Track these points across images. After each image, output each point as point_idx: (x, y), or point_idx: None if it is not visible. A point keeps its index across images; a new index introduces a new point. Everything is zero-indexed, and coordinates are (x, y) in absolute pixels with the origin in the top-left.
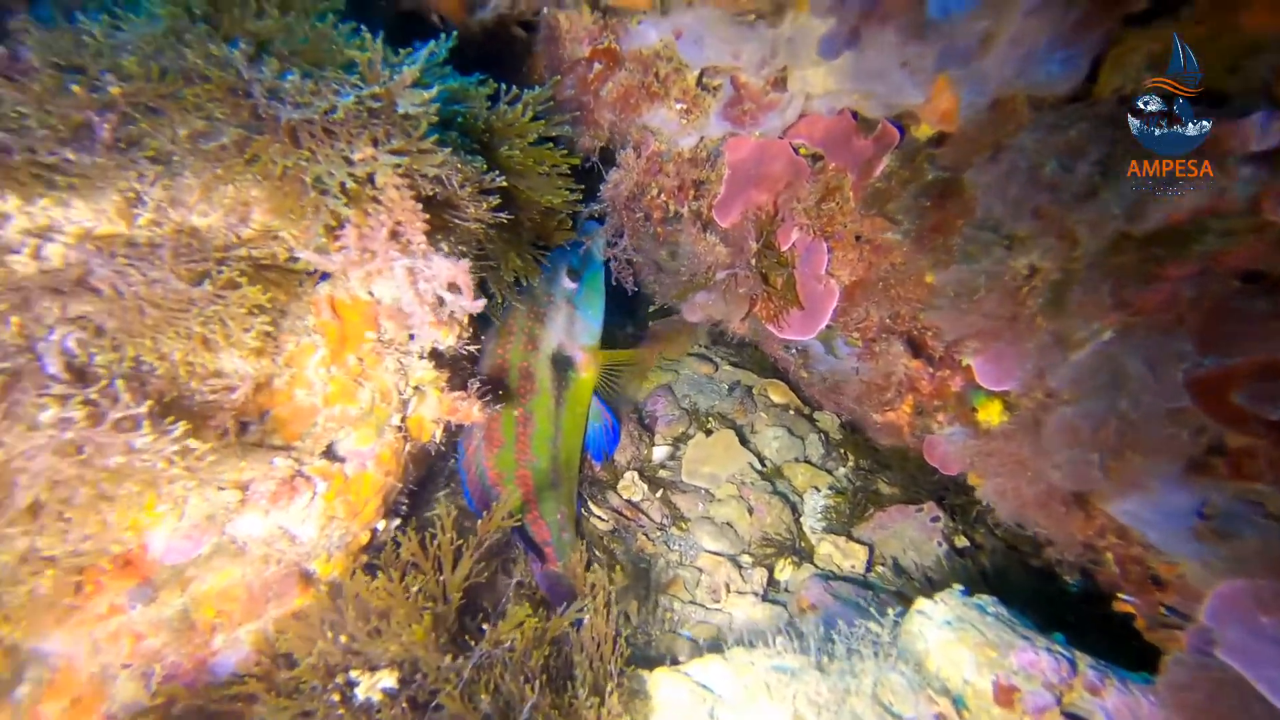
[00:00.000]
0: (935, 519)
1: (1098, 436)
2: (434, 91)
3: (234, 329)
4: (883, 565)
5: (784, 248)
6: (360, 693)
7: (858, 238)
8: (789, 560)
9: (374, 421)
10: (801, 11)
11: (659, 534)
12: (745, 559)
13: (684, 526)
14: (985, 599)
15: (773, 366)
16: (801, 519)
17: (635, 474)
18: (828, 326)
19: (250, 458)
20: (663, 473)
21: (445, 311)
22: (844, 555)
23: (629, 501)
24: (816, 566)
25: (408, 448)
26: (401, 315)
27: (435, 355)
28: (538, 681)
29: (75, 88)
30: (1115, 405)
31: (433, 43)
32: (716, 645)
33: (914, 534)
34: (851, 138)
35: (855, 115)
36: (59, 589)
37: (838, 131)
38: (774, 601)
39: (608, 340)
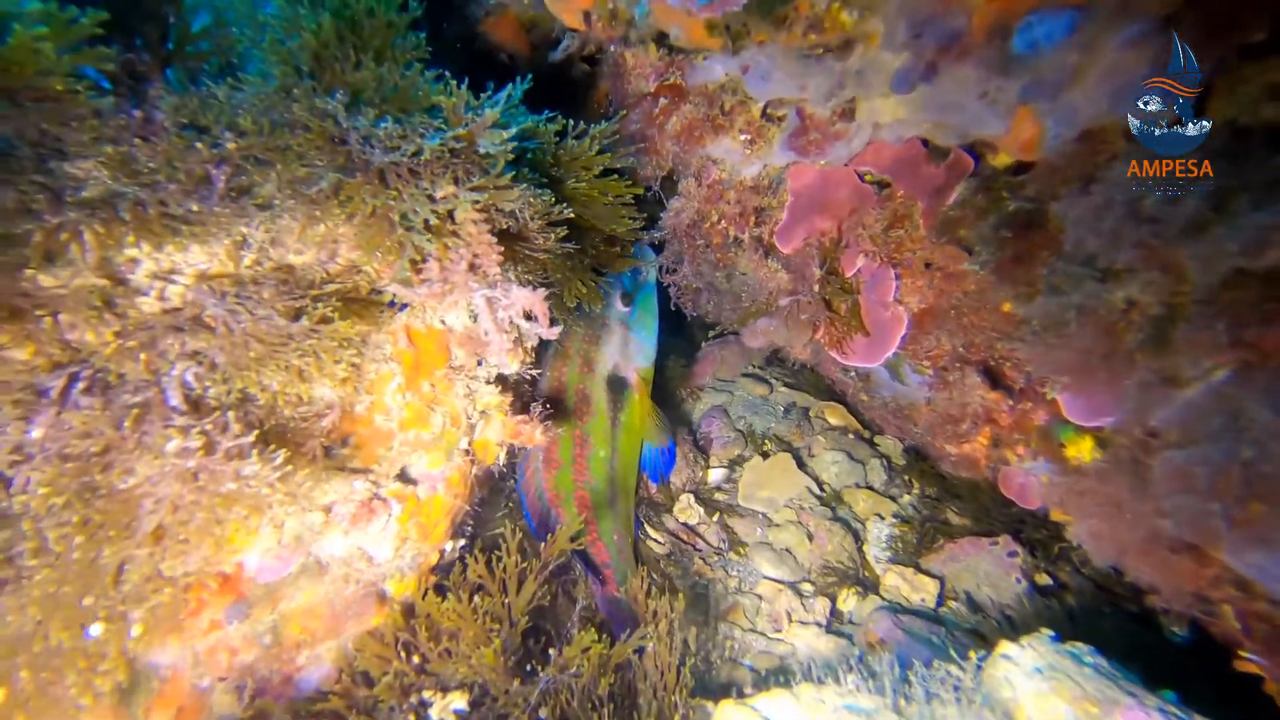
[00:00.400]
0: (1013, 554)
1: (1217, 485)
2: (512, 131)
3: (326, 361)
4: (955, 600)
5: (849, 274)
6: (434, 714)
7: (928, 265)
8: (852, 590)
9: (444, 445)
10: (871, 46)
11: (716, 558)
12: (806, 587)
13: (742, 551)
14: (1081, 647)
15: (829, 389)
16: (865, 547)
17: (691, 496)
18: (895, 354)
19: (334, 481)
20: (719, 495)
21: (517, 337)
22: (913, 588)
23: (685, 524)
24: (882, 598)
25: (474, 470)
26: (473, 342)
27: (501, 380)
28: (605, 710)
29: (200, 145)
30: (1236, 451)
31: (510, 86)
32: (779, 676)
33: (989, 569)
34: (921, 165)
35: (925, 143)
36: (174, 606)
37: (907, 159)
38: (838, 633)
39: (662, 363)
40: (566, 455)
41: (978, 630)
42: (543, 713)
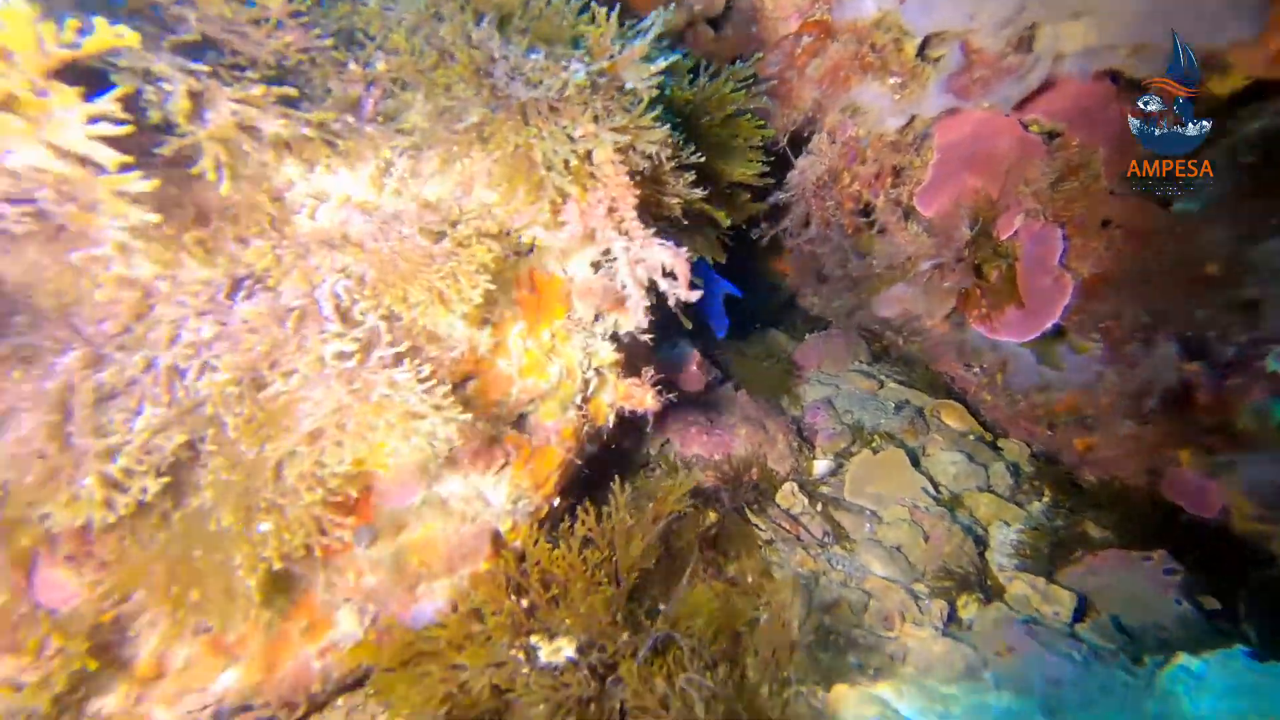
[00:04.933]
0: (1170, 571)
1: None
2: (661, 65)
3: (465, 286)
4: (1095, 617)
5: (1003, 236)
6: (543, 655)
7: (1106, 223)
8: (973, 597)
9: (560, 397)
10: None
11: (819, 550)
12: (920, 588)
13: (849, 546)
14: None
15: (945, 387)
16: (987, 554)
17: (794, 485)
18: (1055, 326)
19: (457, 416)
20: (824, 488)
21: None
22: (1044, 599)
23: (788, 513)
24: (1008, 607)
25: (585, 428)
26: (593, 295)
27: (616, 339)
28: (720, 669)
29: (353, 65)
30: None
31: (655, 13)
32: (891, 674)
33: (1140, 587)
34: (1109, 104)
35: (1115, 78)
36: (325, 511)
37: (1092, 98)
38: (957, 638)
39: (765, 353)
40: None
41: (1126, 651)
42: (654, 666)
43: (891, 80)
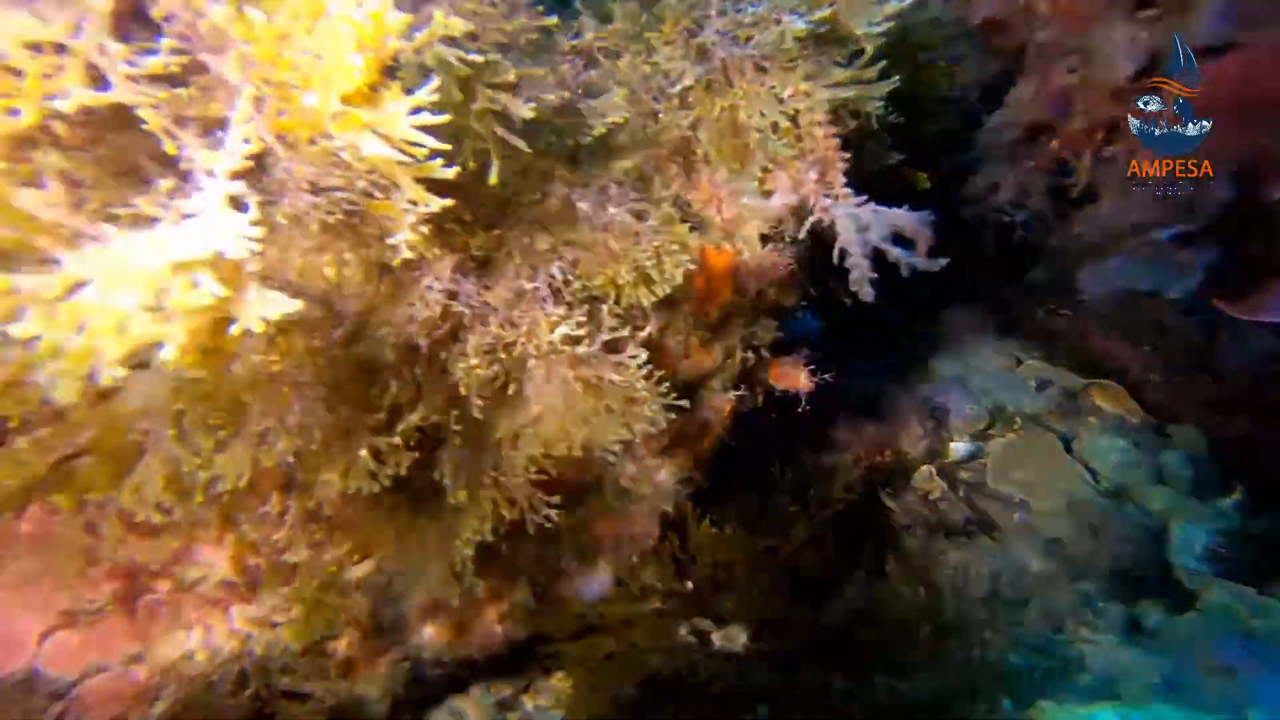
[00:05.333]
0: None
1: None
2: (897, 5)
3: (668, 264)
4: None
5: (1277, 196)
6: (716, 641)
7: None
8: (1157, 602)
9: (723, 377)
10: None
11: (964, 540)
12: (1085, 586)
13: (996, 537)
14: None
15: (1095, 364)
16: (1169, 553)
17: (931, 469)
18: None
19: None
20: (963, 473)
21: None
22: (1252, 613)
23: (926, 498)
24: (1203, 615)
25: (742, 409)
26: (761, 270)
27: (775, 314)
28: (906, 670)
29: (559, 38)
30: None
31: None
32: (1067, 683)
33: None
34: None
35: None
36: (534, 490)
37: None
38: (1146, 649)
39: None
40: None
41: None
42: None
43: (1147, 14)
